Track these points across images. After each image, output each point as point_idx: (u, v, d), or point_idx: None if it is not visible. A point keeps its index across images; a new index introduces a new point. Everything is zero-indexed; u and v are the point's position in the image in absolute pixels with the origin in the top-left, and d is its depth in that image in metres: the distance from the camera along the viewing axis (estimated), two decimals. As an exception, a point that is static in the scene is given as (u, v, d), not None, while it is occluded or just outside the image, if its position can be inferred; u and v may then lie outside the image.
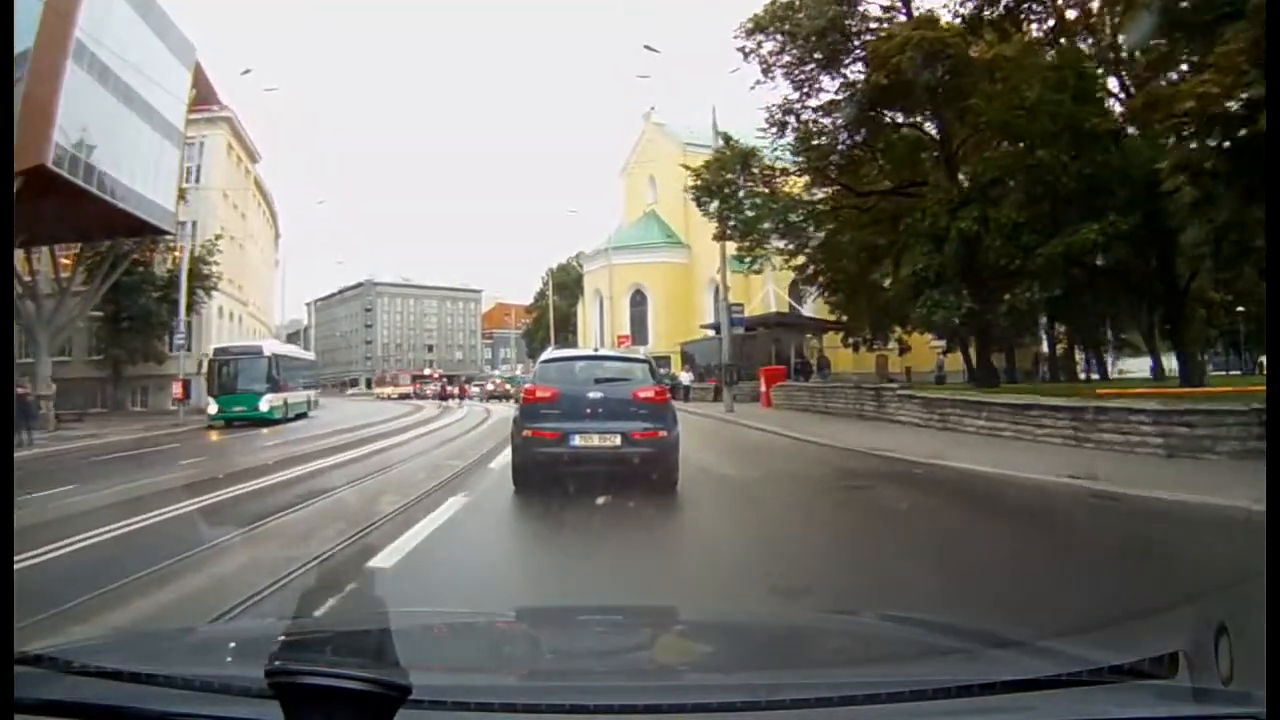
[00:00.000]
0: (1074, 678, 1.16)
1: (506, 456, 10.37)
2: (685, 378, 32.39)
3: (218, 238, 31.49)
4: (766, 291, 33.33)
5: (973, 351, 29.14)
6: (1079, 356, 35.09)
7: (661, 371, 34.10)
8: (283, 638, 1.03)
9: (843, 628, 2.01)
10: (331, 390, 79.85)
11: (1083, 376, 32.61)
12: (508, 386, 47.73)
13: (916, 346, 29.14)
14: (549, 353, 10.30)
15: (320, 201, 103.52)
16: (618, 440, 7.26)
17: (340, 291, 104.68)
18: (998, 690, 1.14)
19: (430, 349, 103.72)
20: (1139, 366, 38.92)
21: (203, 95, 34.62)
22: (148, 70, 26.16)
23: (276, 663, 0.92)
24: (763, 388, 23.55)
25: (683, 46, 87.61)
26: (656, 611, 2.57)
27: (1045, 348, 35.64)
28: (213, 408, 23.19)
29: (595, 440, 7.29)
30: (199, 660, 1.51)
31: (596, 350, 12.06)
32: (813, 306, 34.00)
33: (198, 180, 34.29)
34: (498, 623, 2.09)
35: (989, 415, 12.73)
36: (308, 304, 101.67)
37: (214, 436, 19.58)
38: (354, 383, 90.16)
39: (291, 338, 74.31)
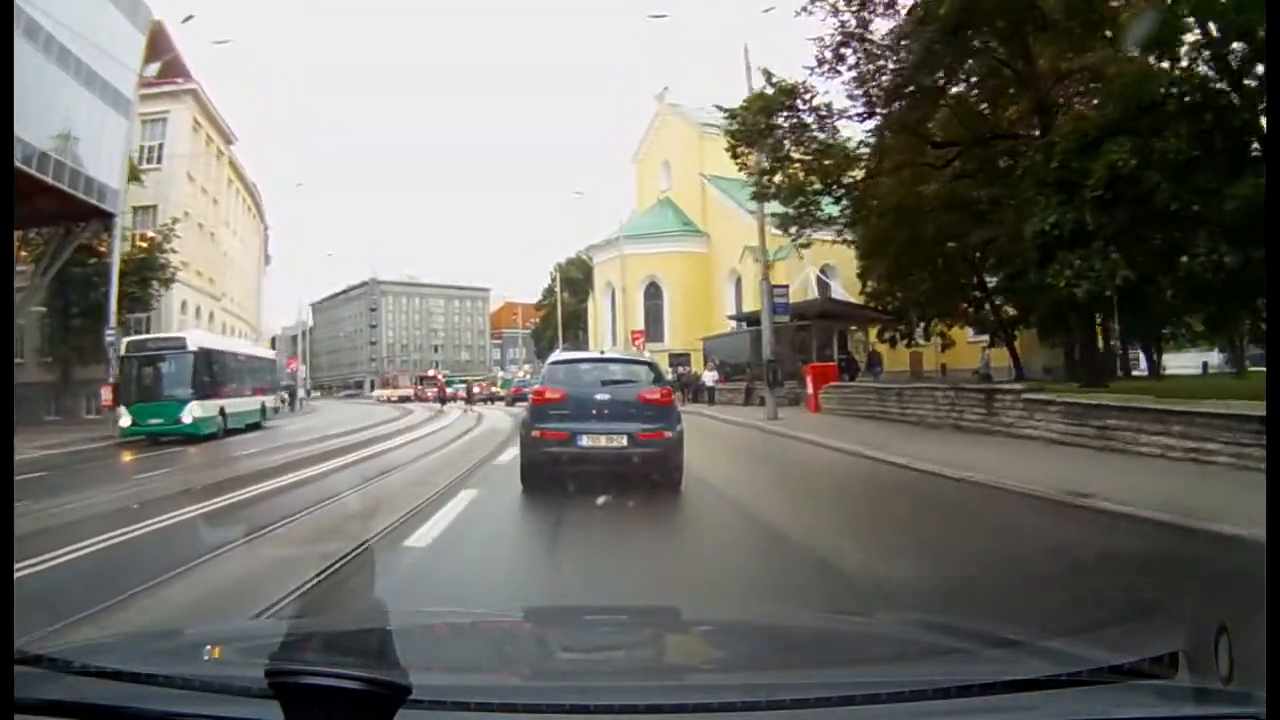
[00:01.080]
0: (1074, 678, 1.14)
1: (458, 506, 7.24)
2: (709, 378, 27.86)
3: (175, 221, 27.73)
4: (806, 274, 28.87)
5: (1019, 345, 25.46)
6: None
7: (681, 370, 30.20)
8: (283, 638, 1.01)
9: (843, 627, 1.97)
10: (339, 392, 76.90)
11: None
12: (494, 389, 43.23)
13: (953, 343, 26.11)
14: (557, 354, 10.10)
15: (298, 184, 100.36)
16: (624, 441, 7.35)
17: (344, 291, 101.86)
18: (998, 690, 1.11)
19: (436, 349, 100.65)
20: (1178, 363, 34.61)
21: (174, 69, 31.23)
22: (90, 30, 22.64)
23: (276, 663, 0.91)
24: (809, 389, 19.21)
25: (698, 13, 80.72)
26: (657, 611, 2.47)
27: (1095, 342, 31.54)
28: (125, 419, 17.44)
29: (602, 441, 7.39)
30: (199, 660, 1.48)
31: (603, 353, 12.07)
32: (842, 293, 29.93)
33: (159, 160, 30.73)
34: (498, 622, 2.04)
35: (1184, 429, 8.59)
36: (311, 304, 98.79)
37: (125, 458, 15.00)
38: (357, 384, 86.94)
39: (294, 340, 71.12)
